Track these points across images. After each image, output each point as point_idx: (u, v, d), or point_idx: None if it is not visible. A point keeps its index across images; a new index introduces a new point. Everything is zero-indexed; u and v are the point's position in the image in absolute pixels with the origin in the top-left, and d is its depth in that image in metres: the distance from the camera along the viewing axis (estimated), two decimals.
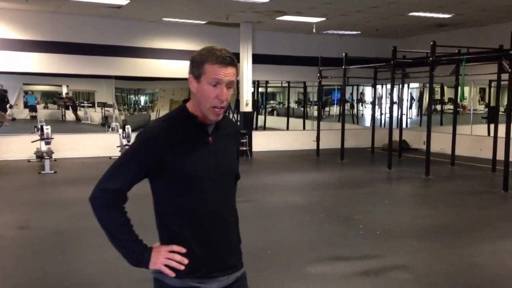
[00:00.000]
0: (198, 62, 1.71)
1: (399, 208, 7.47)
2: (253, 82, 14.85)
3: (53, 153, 10.41)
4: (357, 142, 14.85)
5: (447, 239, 5.55)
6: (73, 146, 12.43)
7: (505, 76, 8.96)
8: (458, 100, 11.42)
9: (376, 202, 7.65)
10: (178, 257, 1.71)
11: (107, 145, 12.58)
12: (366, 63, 13.00)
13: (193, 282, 1.73)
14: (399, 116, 13.82)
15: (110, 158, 12.03)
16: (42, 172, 9.71)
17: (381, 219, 6.56)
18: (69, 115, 27.26)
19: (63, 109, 27.10)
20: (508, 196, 8.02)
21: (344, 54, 12.14)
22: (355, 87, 22.09)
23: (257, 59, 13.38)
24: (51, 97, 31.48)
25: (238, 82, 18.40)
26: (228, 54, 1.72)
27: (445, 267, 4.65)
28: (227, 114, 1.85)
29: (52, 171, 9.74)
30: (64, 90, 28.72)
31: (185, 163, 1.70)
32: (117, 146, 11.83)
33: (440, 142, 12.63)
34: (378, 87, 17.29)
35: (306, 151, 13.67)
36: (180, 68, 13.96)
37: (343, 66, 12.18)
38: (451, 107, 17.51)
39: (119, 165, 1.77)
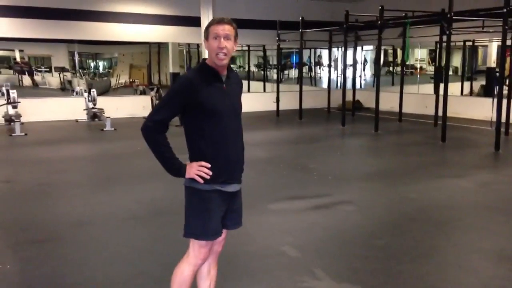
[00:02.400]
0: (206, 27, 2.42)
1: (349, 158, 8.39)
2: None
3: (21, 116, 10.67)
4: (314, 103, 15.66)
5: (387, 180, 6.45)
6: (39, 110, 12.59)
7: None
8: (405, 60, 12.29)
9: (330, 154, 8.52)
10: (205, 170, 2.40)
11: (72, 109, 12.82)
12: (322, 26, 13.66)
13: (216, 186, 2.44)
14: (353, 78, 14.67)
15: (76, 121, 12.36)
16: (13, 134, 10.01)
17: (333, 167, 7.41)
18: (26, 80, 26.69)
19: (19, 74, 26.47)
20: (445, 146, 9.06)
21: (300, 18, 12.74)
22: (312, 50, 22.80)
23: None
24: (2, 62, 30.51)
25: (198, 46, 18.72)
26: (224, 17, 2.41)
27: (383, 201, 5.53)
28: (234, 71, 2.59)
29: (23, 133, 10.05)
30: (17, 54, 27.93)
31: (209, 101, 2.37)
32: (84, 110, 12.13)
33: (391, 101, 13.59)
34: (334, 50, 18.04)
35: (267, 112, 14.37)
36: (140, 32, 14.11)
37: (300, 30, 12.80)
38: (407, 68, 18.59)
39: (164, 102, 2.43)
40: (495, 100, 8.56)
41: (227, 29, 2.39)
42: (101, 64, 33.48)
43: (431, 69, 21.29)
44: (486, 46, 18.69)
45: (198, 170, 2.40)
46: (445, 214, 5.05)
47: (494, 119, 8.55)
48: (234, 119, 2.51)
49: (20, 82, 26.28)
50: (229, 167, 2.49)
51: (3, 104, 10.95)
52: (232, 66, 2.53)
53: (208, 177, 2.41)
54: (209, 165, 2.41)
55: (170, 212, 4.90)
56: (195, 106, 2.37)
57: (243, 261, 3.80)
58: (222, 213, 2.51)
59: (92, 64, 32.91)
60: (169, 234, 4.30)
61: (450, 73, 19.89)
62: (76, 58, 19.55)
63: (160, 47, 24.15)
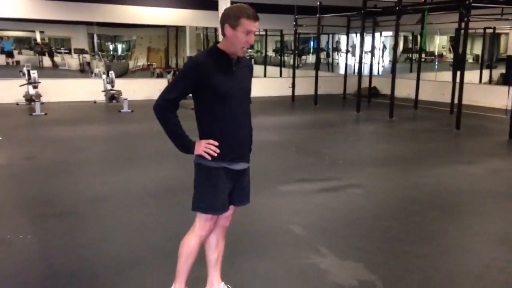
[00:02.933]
0: (234, 16, 2.43)
1: (361, 144, 8.46)
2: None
3: (41, 96, 10.95)
4: (330, 89, 15.66)
5: (398, 166, 6.52)
6: (58, 91, 12.86)
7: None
8: (423, 47, 12.19)
9: (343, 139, 8.60)
10: (213, 147, 2.51)
11: (91, 90, 13.06)
12: (340, 11, 13.59)
13: (223, 164, 2.56)
14: (370, 64, 14.57)
15: (95, 102, 12.61)
16: (34, 113, 10.29)
17: (345, 152, 7.50)
18: (45, 61, 27.11)
19: (39, 55, 26.90)
20: (459, 134, 9.06)
21: (318, 3, 12.69)
22: (331, 36, 22.64)
23: None
24: (23, 43, 30.95)
25: (216, 30, 18.76)
26: (254, 11, 2.45)
27: (392, 185, 5.62)
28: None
29: (43, 113, 10.33)
30: (38, 36, 28.35)
31: (219, 83, 2.47)
32: (102, 91, 12.35)
33: (408, 88, 13.53)
34: (353, 35, 17.94)
35: (282, 97, 14.44)
36: (158, 15, 14.22)
37: (318, 15, 12.76)
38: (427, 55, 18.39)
39: (175, 82, 2.53)
40: (511, 88, 8.50)
41: (257, 26, 2.47)
42: (119, 46, 33.77)
43: (451, 56, 20.98)
44: (508, 33, 18.36)
45: (206, 147, 2.51)
46: (452, 199, 5.12)
47: (510, 107, 8.50)
48: (243, 101, 2.60)
49: (40, 63, 26.73)
50: (237, 147, 2.59)
51: (24, 84, 11.22)
52: (249, 50, 2.63)
53: (216, 154, 2.51)
54: (216, 143, 2.52)
55: (182, 190, 5.04)
56: (204, 87, 2.48)
57: (252, 238, 3.94)
58: (228, 190, 2.63)
59: (110, 47, 33.22)
60: (180, 211, 4.46)
61: (471, 61, 19.65)
62: (96, 40, 19.73)
63: (178, 31, 24.26)
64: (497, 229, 4.22)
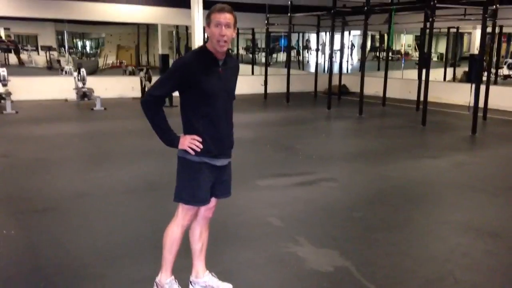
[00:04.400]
0: (208, 14, 2.61)
1: (333, 140, 8.76)
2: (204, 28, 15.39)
3: (11, 94, 10.79)
4: (302, 87, 15.93)
5: (368, 160, 6.81)
6: (27, 89, 12.67)
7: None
8: (390, 46, 12.60)
9: (315, 135, 8.87)
10: (197, 143, 2.66)
11: (61, 88, 12.93)
12: (310, 11, 13.88)
13: (206, 159, 2.71)
14: (340, 62, 14.95)
15: (66, 100, 12.50)
16: (4, 112, 10.14)
17: (318, 147, 7.75)
18: (12, 58, 26.46)
19: (5, 53, 26.22)
20: (424, 129, 9.46)
21: (289, 2, 12.94)
22: (301, 35, 22.98)
23: (208, 5, 13.82)
24: None
25: (187, 28, 18.79)
26: (225, 5, 2.60)
27: (363, 178, 5.90)
28: (232, 55, 2.78)
29: (14, 111, 10.20)
30: (2, 32, 27.61)
31: (204, 82, 2.62)
32: (74, 89, 12.24)
33: (376, 86, 13.94)
34: (322, 34, 18.29)
35: (255, 95, 14.62)
36: (129, 13, 14.15)
37: (289, 14, 13.01)
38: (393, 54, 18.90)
39: (163, 80, 2.67)
40: (473, 85, 8.94)
41: (228, 17, 2.59)
42: (88, 44, 33.20)
43: (417, 55, 21.66)
44: (470, 33, 19.09)
45: (190, 142, 2.66)
46: (419, 190, 5.43)
47: (472, 104, 8.94)
48: (227, 100, 2.76)
49: (6, 60, 26.08)
50: (219, 143, 2.74)
51: None
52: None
53: (199, 149, 2.67)
54: (200, 139, 2.67)
55: (161, 186, 5.20)
56: (191, 86, 2.62)
57: (233, 229, 4.11)
58: (210, 183, 2.78)
59: (79, 44, 32.65)
60: (162, 205, 4.58)
61: (436, 59, 20.32)
62: (66, 37, 19.45)
63: (148, 28, 24.12)
64: (460, 217, 4.53)
